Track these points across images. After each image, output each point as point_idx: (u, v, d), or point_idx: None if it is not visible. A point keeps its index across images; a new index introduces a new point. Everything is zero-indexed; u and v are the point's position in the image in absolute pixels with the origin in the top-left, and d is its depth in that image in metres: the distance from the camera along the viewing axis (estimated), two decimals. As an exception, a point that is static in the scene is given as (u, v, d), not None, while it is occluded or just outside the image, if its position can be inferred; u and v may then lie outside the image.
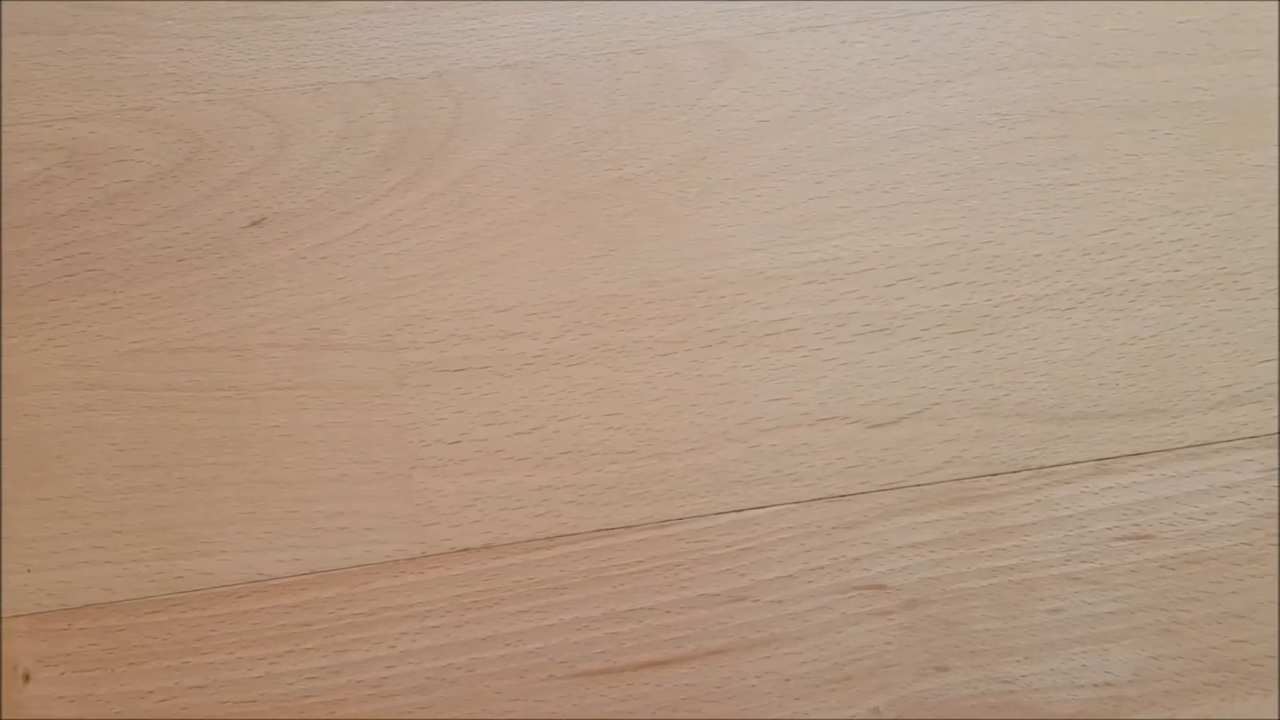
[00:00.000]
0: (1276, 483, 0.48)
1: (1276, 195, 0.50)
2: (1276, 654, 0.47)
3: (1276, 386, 0.48)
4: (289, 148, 0.49)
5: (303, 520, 0.46)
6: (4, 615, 0.46)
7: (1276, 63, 0.51)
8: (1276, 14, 0.51)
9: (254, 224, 0.48)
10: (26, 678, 0.45)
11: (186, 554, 0.46)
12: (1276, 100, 0.50)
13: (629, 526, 0.47)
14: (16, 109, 0.49)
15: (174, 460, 0.47)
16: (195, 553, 0.46)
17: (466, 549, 0.47)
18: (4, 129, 0.48)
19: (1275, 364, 0.49)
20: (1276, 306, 0.49)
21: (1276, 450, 0.48)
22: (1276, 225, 0.49)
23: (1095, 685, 0.47)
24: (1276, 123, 0.50)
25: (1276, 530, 0.48)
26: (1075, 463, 0.48)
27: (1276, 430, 0.48)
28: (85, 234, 0.48)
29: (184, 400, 0.47)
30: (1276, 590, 0.47)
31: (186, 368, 0.47)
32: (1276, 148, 0.50)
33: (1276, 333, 0.49)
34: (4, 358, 0.47)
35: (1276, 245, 0.49)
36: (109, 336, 0.47)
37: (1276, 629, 0.47)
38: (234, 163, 0.49)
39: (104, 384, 0.47)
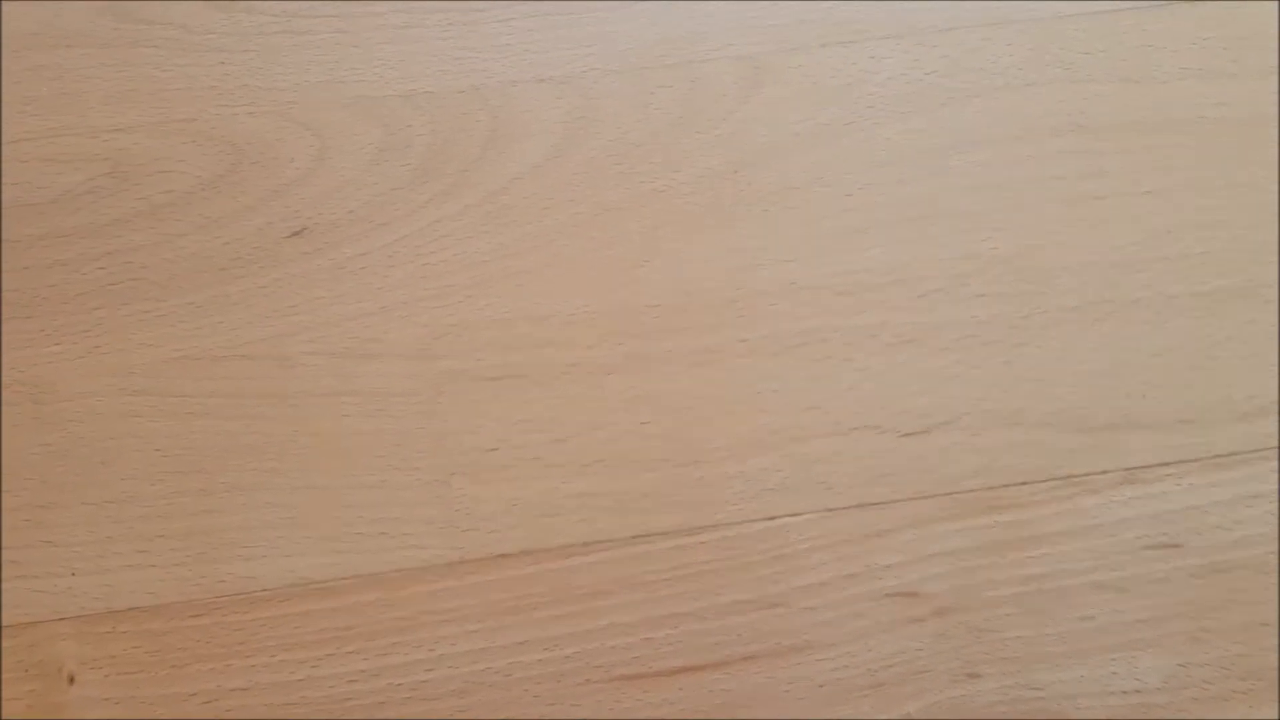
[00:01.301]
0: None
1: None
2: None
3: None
4: (329, 160, 0.49)
5: (343, 525, 0.47)
6: (49, 618, 0.46)
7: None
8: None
9: (294, 234, 0.49)
10: (71, 680, 0.46)
11: (229, 558, 0.47)
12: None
13: (664, 533, 0.48)
14: (62, 120, 0.49)
15: (216, 466, 0.47)
16: (237, 557, 0.47)
17: (504, 554, 0.47)
18: (49, 140, 0.49)
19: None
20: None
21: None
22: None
23: (1125, 692, 0.47)
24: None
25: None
26: (1104, 472, 0.48)
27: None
28: (129, 243, 0.49)
29: (226, 407, 0.48)
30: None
31: (229, 375, 0.48)
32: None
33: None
34: (49, 365, 0.48)
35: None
36: (152, 344, 0.48)
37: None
38: (275, 174, 0.49)
39: (148, 391, 0.48)
